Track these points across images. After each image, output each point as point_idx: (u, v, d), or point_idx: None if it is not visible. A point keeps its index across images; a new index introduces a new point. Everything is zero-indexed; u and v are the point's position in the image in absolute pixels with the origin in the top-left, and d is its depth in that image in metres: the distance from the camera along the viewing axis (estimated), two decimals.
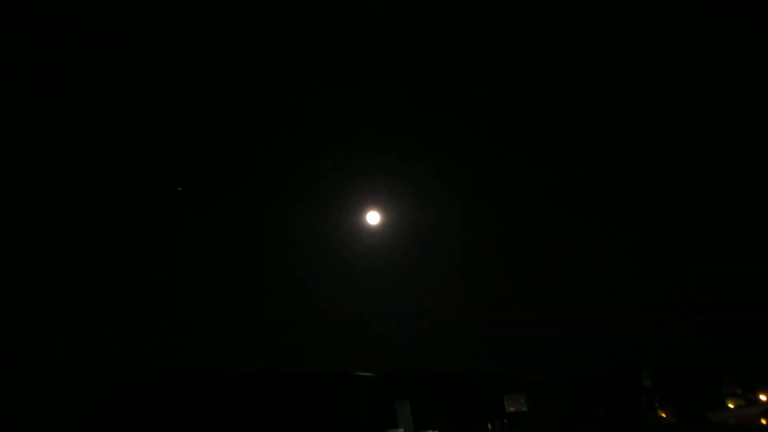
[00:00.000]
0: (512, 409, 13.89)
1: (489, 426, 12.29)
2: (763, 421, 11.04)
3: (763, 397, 13.14)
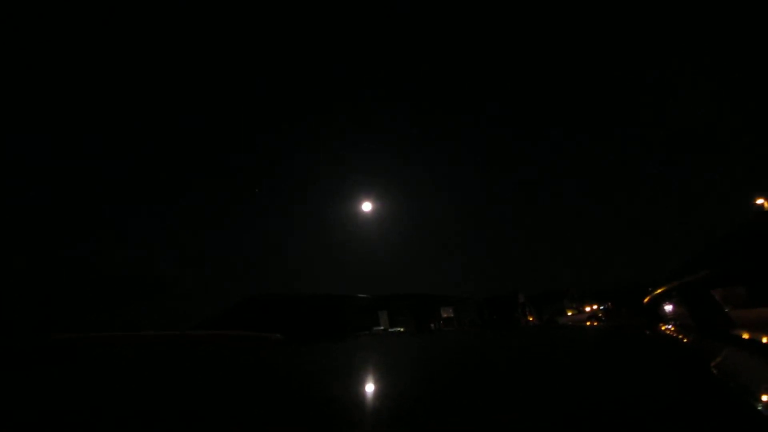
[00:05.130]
0: (445, 315, 20.52)
1: (432, 325, 18.43)
2: (588, 323, 19.06)
3: (587, 309, 21.75)
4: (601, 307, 23.74)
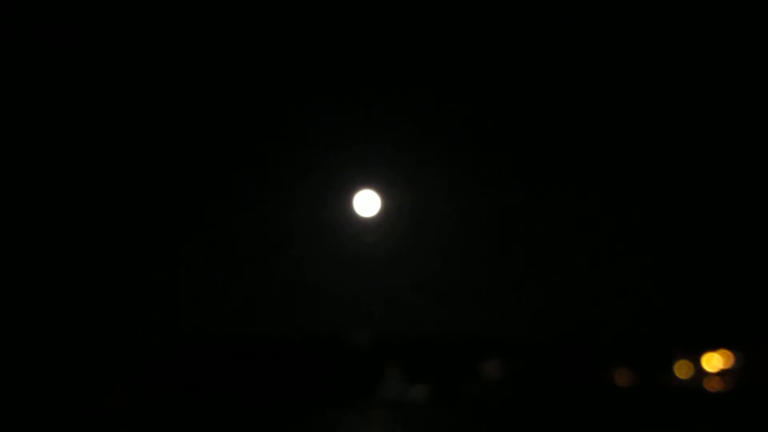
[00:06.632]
0: (489, 374, 14.67)
1: (467, 389, 13.31)
2: (707, 387, 12.72)
3: (709, 364, 14.80)
4: (734, 364, 16.13)
